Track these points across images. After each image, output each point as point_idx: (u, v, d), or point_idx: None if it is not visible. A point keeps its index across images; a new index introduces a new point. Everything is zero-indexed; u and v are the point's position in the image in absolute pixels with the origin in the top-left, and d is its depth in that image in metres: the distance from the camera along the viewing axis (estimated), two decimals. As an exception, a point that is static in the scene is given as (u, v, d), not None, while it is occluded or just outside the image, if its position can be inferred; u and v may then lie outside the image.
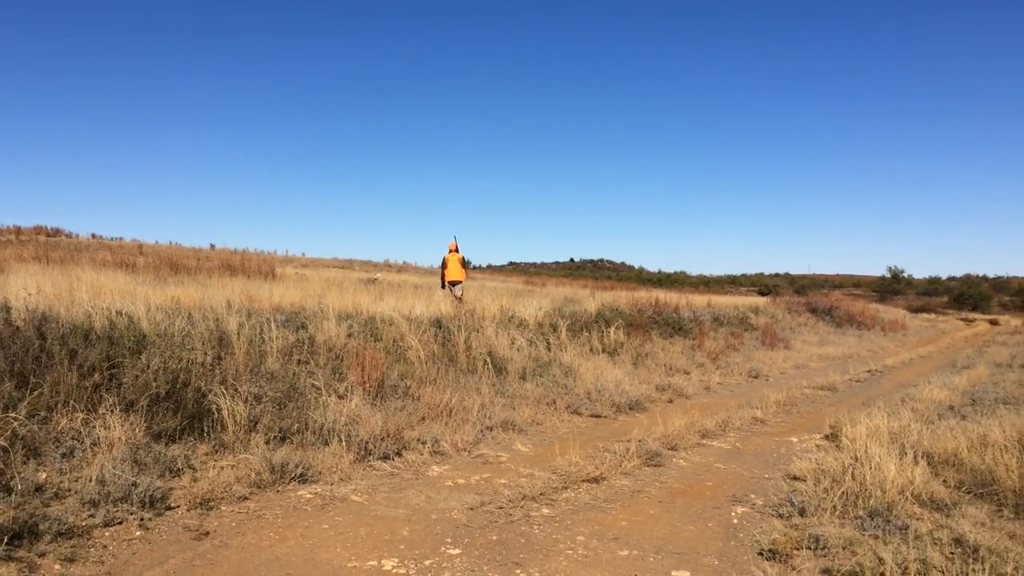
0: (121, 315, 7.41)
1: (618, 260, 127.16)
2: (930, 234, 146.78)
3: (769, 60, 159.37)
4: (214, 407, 6.23)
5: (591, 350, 13.00)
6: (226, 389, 6.45)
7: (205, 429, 6.11)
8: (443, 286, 15.83)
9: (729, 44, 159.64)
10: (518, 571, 4.20)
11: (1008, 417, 7.95)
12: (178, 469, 5.41)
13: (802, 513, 5.35)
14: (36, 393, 5.59)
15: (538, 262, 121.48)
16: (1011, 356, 19.19)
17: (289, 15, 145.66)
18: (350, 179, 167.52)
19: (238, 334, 7.84)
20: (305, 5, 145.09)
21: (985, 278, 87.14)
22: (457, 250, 15.68)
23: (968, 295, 68.65)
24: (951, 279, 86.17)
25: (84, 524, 4.41)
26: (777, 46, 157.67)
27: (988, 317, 54.71)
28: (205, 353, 7.07)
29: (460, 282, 15.59)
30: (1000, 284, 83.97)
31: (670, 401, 10.69)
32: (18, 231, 32.26)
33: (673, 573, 4.31)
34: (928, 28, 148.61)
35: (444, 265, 15.72)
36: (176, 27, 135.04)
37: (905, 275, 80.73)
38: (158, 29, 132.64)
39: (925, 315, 52.26)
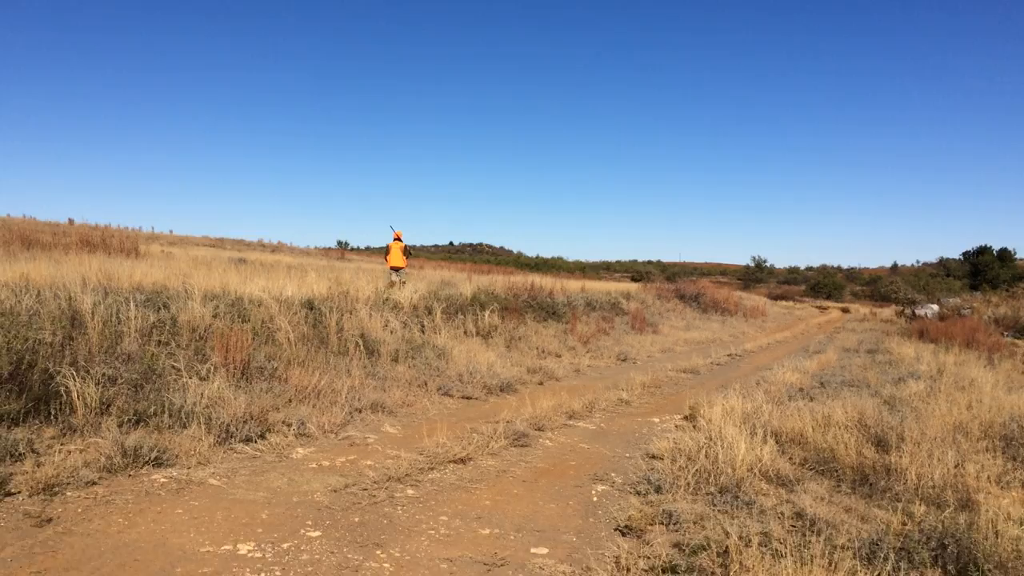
0: (-40, 291, 6.92)
1: (497, 244, 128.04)
2: (791, 226, 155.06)
3: (636, 51, 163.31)
4: (62, 389, 5.91)
5: (465, 333, 13.06)
6: (77, 371, 6.12)
7: (52, 412, 5.78)
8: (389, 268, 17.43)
9: (598, 35, 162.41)
10: (378, 552, 4.20)
11: (850, 399, 8.53)
12: (20, 454, 5.11)
13: (658, 490, 5.58)
14: None
15: (417, 245, 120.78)
16: (858, 342, 20.51)
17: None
18: (226, 155, 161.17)
19: (92, 313, 7.45)
20: None
21: (839, 269, 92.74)
22: (400, 239, 17.19)
23: (823, 284, 72.85)
24: (809, 269, 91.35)
25: (-90, 513, 4.12)
26: (647, 38, 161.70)
27: (840, 305, 58.27)
28: (55, 333, 6.69)
29: (401, 268, 17.08)
30: (852, 275, 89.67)
31: (541, 383, 10.88)
32: None
33: (532, 550, 4.42)
34: (787, 31, 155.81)
35: (387, 251, 17.33)
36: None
37: (767, 264, 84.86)
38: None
39: (784, 302, 55.07)
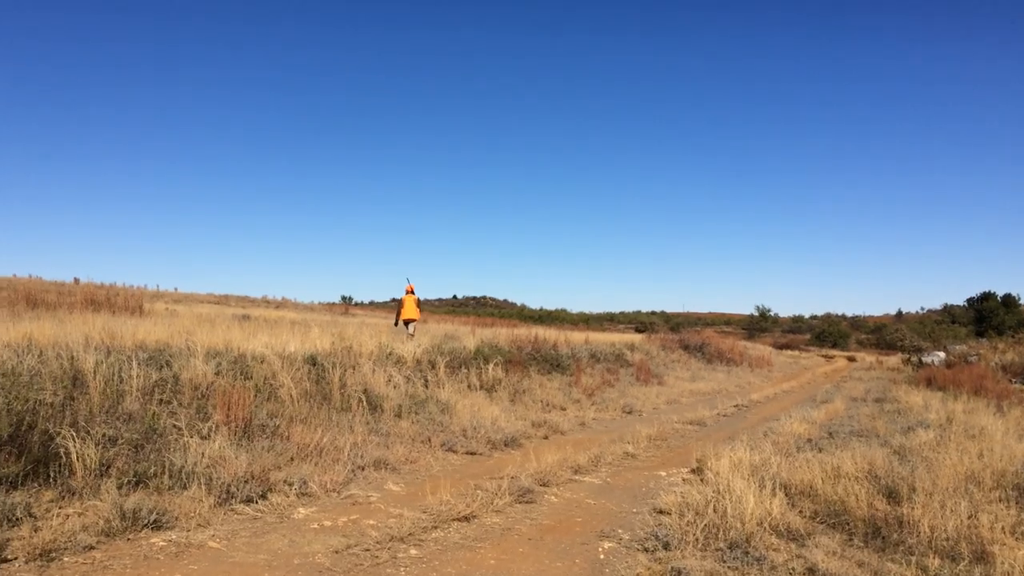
0: (-39, 353, 6.90)
1: (501, 297, 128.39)
2: (795, 275, 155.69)
3: (637, 101, 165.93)
4: (62, 451, 5.86)
5: (469, 387, 12.98)
6: (77, 432, 6.08)
7: (52, 474, 5.73)
8: (396, 323, 17.68)
9: (605, 82, 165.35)
10: (381, 615, 4.11)
11: (860, 449, 8.43)
12: (18, 518, 5.05)
13: (666, 547, 5.47)
14: None
15: (422, 299, 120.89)
16: (866, 391, 20.36)
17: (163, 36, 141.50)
18: (232, 212, 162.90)
19: (94, 373, 7.43)
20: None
21: (844, 317, 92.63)
22: (413, 292, 17.56)
23: (829, 333, 72.60)
24: (813, 318, 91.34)
25: (-96, 581, 4.05)
26: (648, 89, 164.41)
27: (846, 354, 57.97)
28: (56, 393, 6.66)
29: (414, 320, 17.43)
30: (857, 323, 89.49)
31: (545, 437, 10.78)
32: None
33: (538, 611, 4.32)
34: (783, 78, 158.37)
35: (401, 304, 17.57)
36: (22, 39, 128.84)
37: (772, 314, 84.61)
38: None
39: (789, 351, 54.79)
